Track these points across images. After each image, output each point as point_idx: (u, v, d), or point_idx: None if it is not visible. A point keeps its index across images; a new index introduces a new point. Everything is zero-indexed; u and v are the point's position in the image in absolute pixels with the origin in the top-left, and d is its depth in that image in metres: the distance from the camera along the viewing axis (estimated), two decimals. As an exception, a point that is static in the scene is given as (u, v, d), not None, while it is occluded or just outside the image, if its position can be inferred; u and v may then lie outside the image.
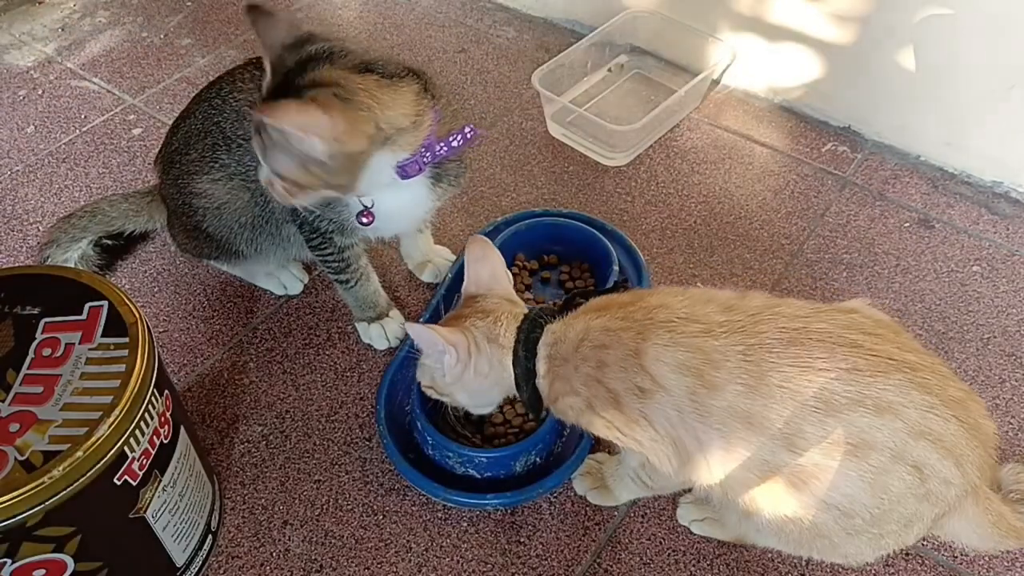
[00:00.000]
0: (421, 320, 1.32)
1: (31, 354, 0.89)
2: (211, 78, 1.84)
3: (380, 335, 1.34)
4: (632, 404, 0.90)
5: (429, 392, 1.07)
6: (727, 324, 0.88)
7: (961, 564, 1.10)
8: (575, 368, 0.94)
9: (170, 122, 1.34)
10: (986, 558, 1.10)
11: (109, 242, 1.42)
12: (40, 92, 1.86)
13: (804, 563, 1.10)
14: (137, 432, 0.86)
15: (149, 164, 1.60)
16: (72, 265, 1.35)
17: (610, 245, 1.38)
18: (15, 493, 0.78)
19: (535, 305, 1.10)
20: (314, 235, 1.20)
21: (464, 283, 1.07)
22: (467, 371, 1.00)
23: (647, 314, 0.91)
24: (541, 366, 0.99)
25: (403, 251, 1.46)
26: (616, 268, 1.35)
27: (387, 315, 1.35)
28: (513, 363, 1.00)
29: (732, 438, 0.87)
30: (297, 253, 1.35)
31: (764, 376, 0.85)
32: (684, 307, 0.91)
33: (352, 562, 1.11)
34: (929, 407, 0.84)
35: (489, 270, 1.07)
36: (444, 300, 1.36)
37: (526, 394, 1.01)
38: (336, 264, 1.24)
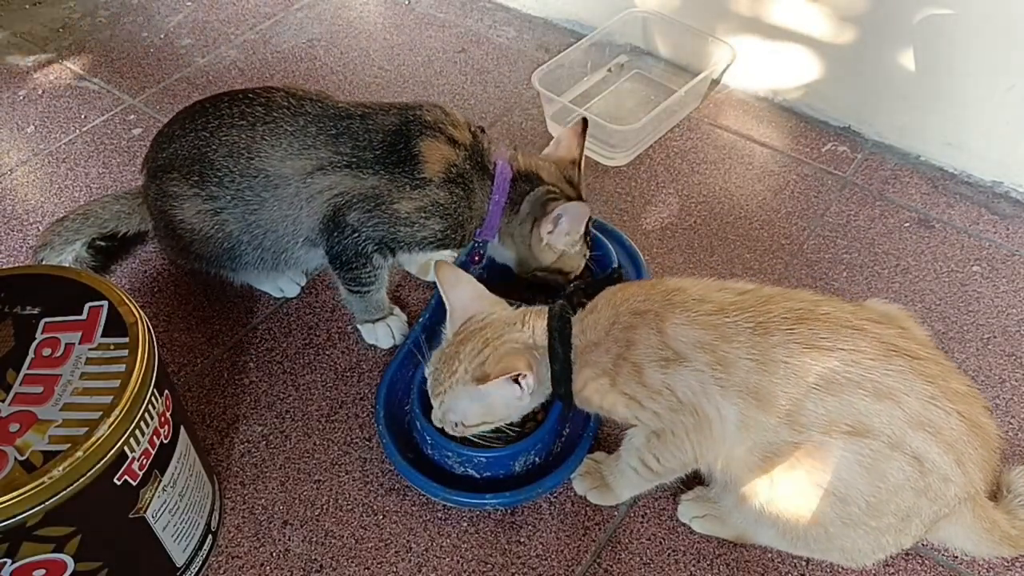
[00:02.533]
0: (422, 319, 1.32)
1: (31, 354, 0.89)
2: (211, 78, 1.87)
3: (387, 334, 1.34)
4: (656, 375, 0.93)
5: (479, 430, 1.07)
6: (738, 303, 0.92)
7: (961, 564, 1.10)
8: (606, 351, 0.97)
9: (170, 122, 1.34)
10: (986, 558, 1.10)
11: (103, 243, 1.42)
12: (40, 92, 1.86)
13: (804, 563, 1.10)
14: (137, 432, 0.86)
15: (149, 164, 1.59)
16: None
17: (610, 245, 1.38)
18: (15, 493, 0.78)
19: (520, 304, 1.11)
20: (357, 258, 1.21)
21: (449, 314, 1.07)
22: (528, 390, 1.01)
23: (665, 296, 0.95)
24: (573, 356, 1.00)
25: (403, 259, 1.46)
26: (616, 268, 1.35)
27: (392, 314, 1.36)
28: (551, 359, 1.01)
29: (745, 414, 0.89)
30: (303, 266, 1.36)
31: (770, 351, 0.87)
32: (698, 290, 0.95)
33: (352, 562, 1.11)
34: (931, 398, 0.85)
35: (470, 290, 1.08)
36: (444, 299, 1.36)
37: (563, 388, 1.02)
38: (367, 279, 1.26)
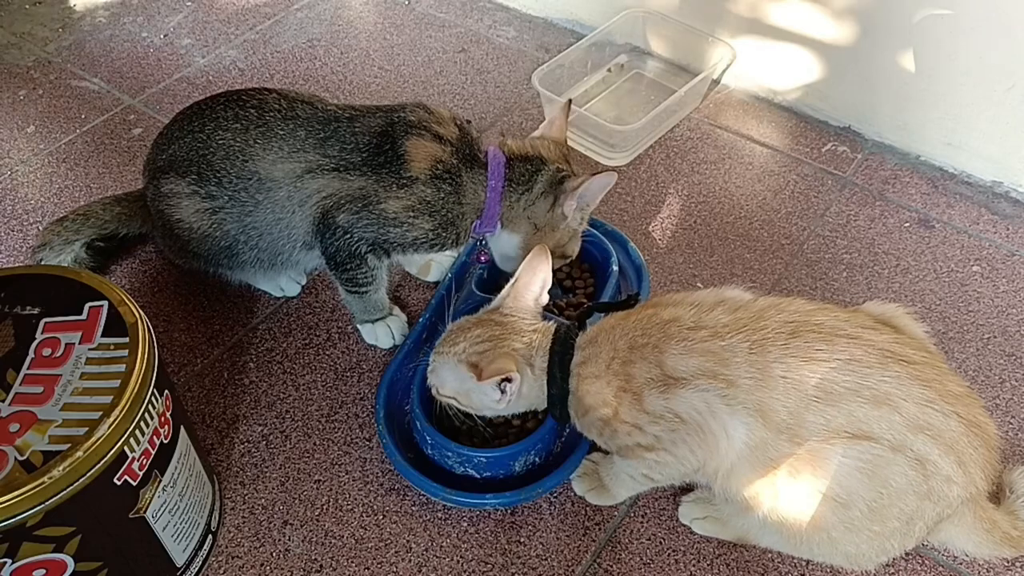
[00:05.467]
0: (422, 319, 1.32)
1: (31, 354, 0.89)
2: (211, 78, 1.87)
3: (387, 334, 1.34)
4: (657, 401, 0.93)
5: (449, 401, 1.07)
6: (732, 324, 0.92)
7: (961, 564, 1.10)
8: (607, 383, 0.97)
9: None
10: (986, 559, 1.10)
11: (102, 244, 1.42)
12: (40, 92, 1.86)
13: (804, 564, 1.10)
14: (137, 432, 0.86)
15: (149, 164, 1.59)
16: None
17: (610, 245, 1.38)
18: (15, 493, 0.78)
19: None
20: (351, 259, 1.22)
21: (513, 288, 1.07)
22: (509, 396, 1.02)
23: (661, 329, 0.95)
24: (572, 383, 1.01)
25: (402, 259, 1.46)
26: (616, 268, 1.35)
27: (392, 314, 1.36)
28: (548, 383, 1.02)
29: (751, 431, 0.90)
30: (301, 267, 1.36)
31: (768, 368, 0.87)
32: (692, 317, 0.95)
33: (352, 562, 1.11)
34: (928, 401, 0.85)
35: (532, 285, 1.08)
36: (444, 299, 1.36)
37: (558, 411, 1.03)
38: (364, 279, 1.26)
